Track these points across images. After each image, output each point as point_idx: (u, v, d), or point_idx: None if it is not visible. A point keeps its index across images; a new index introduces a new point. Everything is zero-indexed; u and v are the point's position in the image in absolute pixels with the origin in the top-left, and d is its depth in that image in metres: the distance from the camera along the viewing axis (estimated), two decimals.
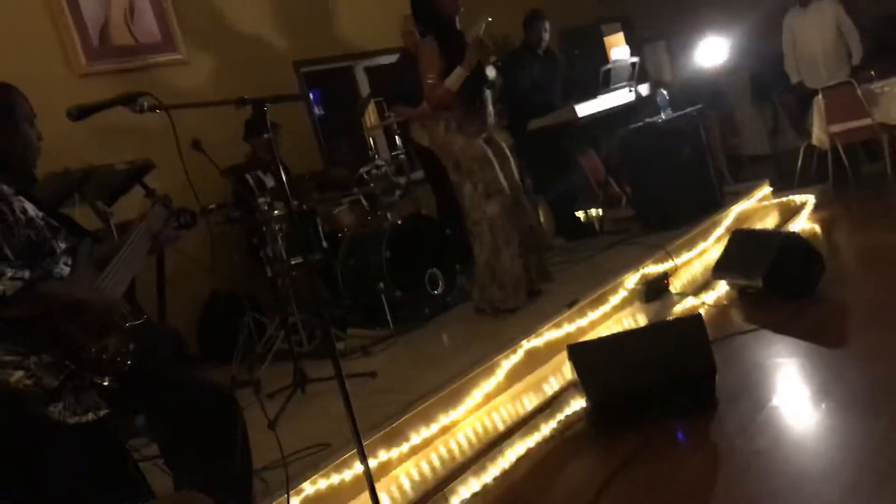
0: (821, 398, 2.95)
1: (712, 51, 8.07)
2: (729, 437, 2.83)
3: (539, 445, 3.09)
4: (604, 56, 7.74)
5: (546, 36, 5.96)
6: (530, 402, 3.44)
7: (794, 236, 4.31)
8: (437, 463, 3.09)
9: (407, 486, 2.96)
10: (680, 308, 4.30)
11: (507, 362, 3.60)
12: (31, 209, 2.22)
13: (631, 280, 4.49)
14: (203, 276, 4.94)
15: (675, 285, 4.63)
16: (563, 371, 3.61)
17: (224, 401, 2.40)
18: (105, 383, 2.10)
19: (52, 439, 2.18)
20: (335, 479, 2.84)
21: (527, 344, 3.74)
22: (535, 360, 3.75)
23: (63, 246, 2.27)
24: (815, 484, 2.40)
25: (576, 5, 8.99)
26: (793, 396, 3.07)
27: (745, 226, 5.41)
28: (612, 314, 4.30)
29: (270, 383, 3.90)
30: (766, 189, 6.27)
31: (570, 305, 4.09)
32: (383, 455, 3.01)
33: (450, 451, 3.17)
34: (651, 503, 2.56)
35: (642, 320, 4.24)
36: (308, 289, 4.54)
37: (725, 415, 2.99)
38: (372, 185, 4.96)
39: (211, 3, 5.68)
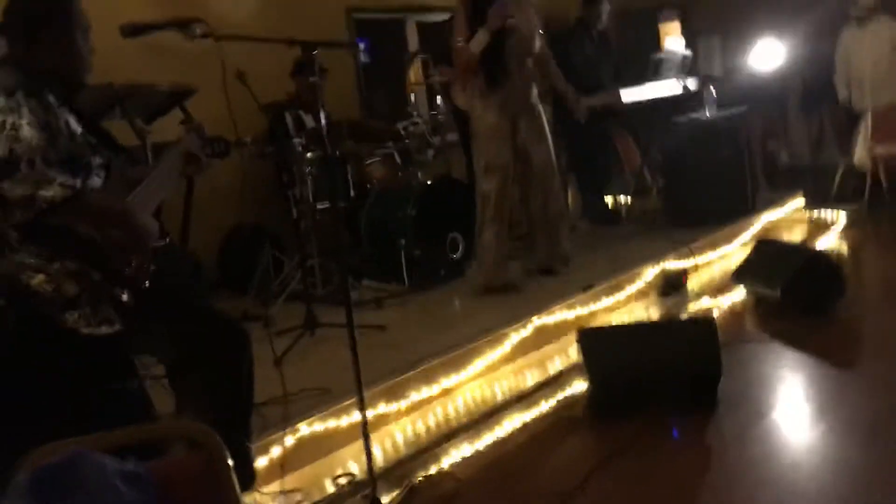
0: (821, 418, 2.96)
1: (767, 53, 7.91)
2: (724, 442, 2.85)
3: (535, 420, 3.12)
4: (657, 43, 7.63)
5: (605, 18, 5.88)
6: (532, 378, 3.48)
7: (821, 253, 4.28)
8: (432, 423, 3.15)
9: (401, 440, 3.02)
10: (694, 307, 4.29)
11: (516, 335, 3.63)
12: (73, 122, 2.25)
13: (650, 272, 4.49)
14: (229, 207, 4.99)
15: (693, 283, 4.62)
16: (568, 352, 3.64)
17: (234, 332, 2.44)
18: (124, 297, 2.14)
19: (64, 345, 2.23)
20: (332, 423, 2.90)
21: (537, 320, 3.76)
22: (543, 337, 3.78)
23: (98, 161, 2.31)
24: None
25: None
26: (793, 411, 3.07)
27: (773, 235, 5.38)
28: (626, 303, 4.31)
29: (281, 321, 3.95)
30: (799, 201, 6.19)
31: (586, 289, 4.10)
32: (382, 408, 3.06)
33: (447, 413, 3.22)
34: (636, 495, 2.59)
35: (655, 314, 4.25)
36: (330, 234, 4.58)
37: (724, 419, 3.00)
38: (407, 141, 4.96)
39: None
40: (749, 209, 5.63)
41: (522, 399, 3.26)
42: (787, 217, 5.99)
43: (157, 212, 2.41)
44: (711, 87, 5.72)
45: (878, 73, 6.68)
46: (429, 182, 4.79)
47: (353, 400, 2.75)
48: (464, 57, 4.14)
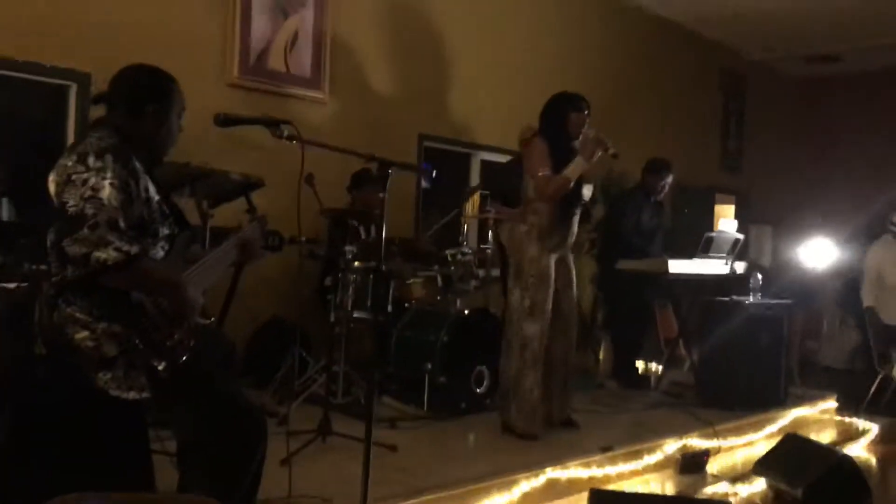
0: None
1: (817, 251, 8.00)
2: None
3: None
4: (711, 222, 7.76)
5: (667, 188, 6.03)
6: None
7: (848, 459, 4.16)
8: None
9: None
10: (711, 490, 4.16)
11: (527, 484, 3.55)
12: (153, 190, 2.37)
13: (671, 446, 4.40)
14: (269, 300, 5.08)
15: (713, 466, 4.50)
16: None
17: (255, 422, 2.45)
18: (160, 368, 2.18)
19: (89, 403, 2.26)
20: None
21: (551, 472, 3.69)
22: (553, 490, 3.69)
23: (166, 232, 2.41)
24: None
25: (699, 166, 9.11)
26: None
27: (801, 433, 5.25)
28: (643, 473, 4.20)
29: (296, 422, 3.92)
30: (831, 403, 6.08)
31: (605, 450, 4.03)
32: None
33: None
34: None
35: (671, 490, 4.13)
36: (360, 345, 4.61)
37: None
38: (452, 268, 5.05)
39: (364, 57, 6.00)
40: (780, 401, 5.55)
41: None
42: (818, 417, 5.87)
43: (203, 292, 2.49)
44: (758, 275, 5.76)
45: None
46: (466, 312, 4.83)
47: None
48: (555, 185, 4.15)
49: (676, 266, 5.49)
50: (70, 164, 2.21)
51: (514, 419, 4.23)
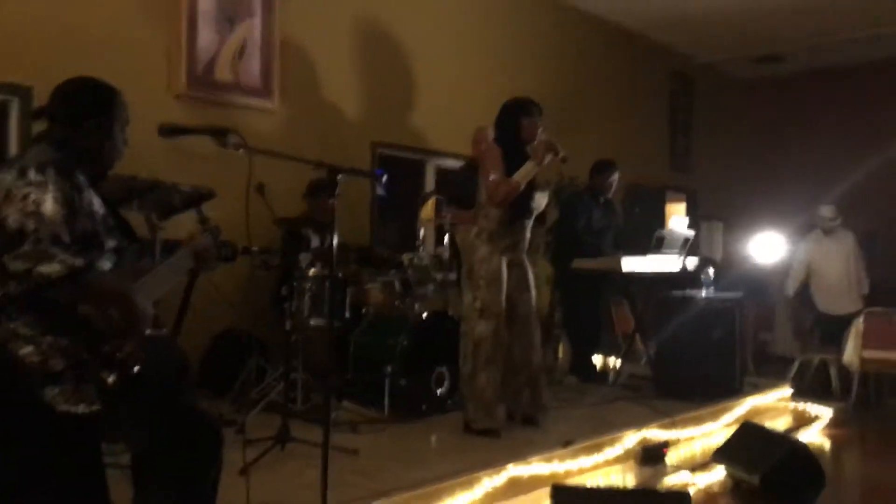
0: None
1: (767, 245, 8.19)
2: None
3: None
4: (662, 220, 7.89)
5: (614, 187, 6.14)
6: None
7: (803, 446, 4.25)
8: None
9: None
10: (671, 481, 4.23)
11: (489, 482, 3.57)
12: (97, 204, 2.34)
13: (630, 438, 4.46)
14: (224, 310, 5.03)
15: (672, 457, 4.57)
16: None
17: (210, 432, 2.42)
18: (110, 380, 2.15)
19: (36, 420, 2.22)
20: None
21: (513, 469, 3.71)
22: (515, 487, 3.71)
23: (112, 245, 2.38)
24: None
25: (649, 166, 9.25)
26: None
27: (757, 421, 5.35)
28: (604, 466, 4.25)
29: (254, 430, 3.89)
30: (786, 391, 6.23)
31: (566, 445, 4.07)
32: None
33: None
34: None
35: (631, 482, 4.18)
36: (318, 352, 4.59)
37: None
38: (409, 272, 5.07)
39: (314, 66, 5.99)
40: (736, 391, 5.66)
41: None
42: (773, 405, 6.00)
43: (155, 303, 2.46)
44: (710, 270, 5.88)
45: (849, 280, 7.02)
46: (424, 315, 4.85)
47: None
48: (505, 189, 4.20)
49: (630, 264, 5.58)
50: (10, 178, 2.17)
51: (471, 417, 4.27)
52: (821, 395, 6.37)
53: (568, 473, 4.00)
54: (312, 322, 4.30)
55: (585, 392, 5.48)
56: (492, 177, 4.24)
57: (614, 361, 6.07)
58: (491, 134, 4.60)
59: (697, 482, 4.24)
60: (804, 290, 7.40)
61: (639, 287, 6.35)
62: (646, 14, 8.49)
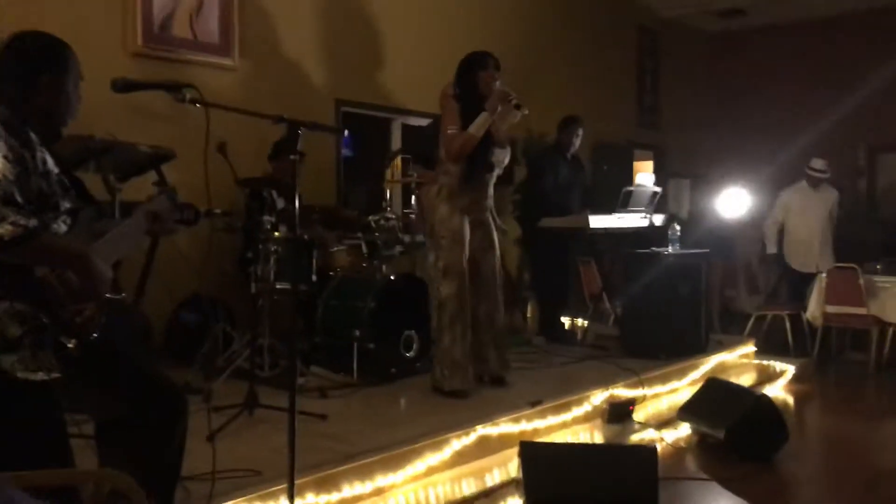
0: None
1: (733, 201, 8.24)
2: None
3: None
4: (630, 178, 7.89)
5: (577, 142, 6.12)
6: (469, 488, 3.41)
7: (767, 399, 4.32)
8: None
9: None
10: (638, 437, 4.29)
11: (458, 442, 3.58)
12: (51, 163, 2.25)
13: (598, 397, 4.50)
14: (189, 276, 4.93)
15: (639, 414, 4.62)
16: (508, 467, 3.58)
17: (173, 398, 2.38)
18: (70, 345, 2.09)
19: None
20: None
21: (481, 429, 3.72)
22: (485, 447, 3.73)
23: (67, 206, 2.30)
24: None
25: (617, 125, 9.23)
26: None
27: (723, 377, 5.43)
28: (572, 425, 4.29)
29: (222, 397, 3.85)
30: (750, 348, 6.32)
31: (534, 404, 4.09)
32: (311, 498, 2.96)
33: None
34: None
35: (599, 439, 4.23)
36: (285, 316, 4.54)
37: None
38: (377, 234, 5.01)
39: (275, 22, 5.84)
40: (702, 348, 5.72)
41: None
42: (738, 361, 6.08)
43: (115, 267, 2.39)
44: (676, 226, 5.90)
45: (823, 236, 7.06)
46: (392, 277, 4.81)
47: (283, 486, 2.67)
48: (459, 141, 4.17)
49: (597, 221, 5.58)
50: None
51: (438, 378, 4.27)
52: (778, 351, 6.49)
53: (536, 432, 4.02)
54: (278, 286, 4.24)
55: (554, 352, 5.51)
56: (449, 130, 4.20)
57: (582, 322, 6.10)
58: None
59: (664, 438, 4.30)
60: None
61: (606, 245, 6.37)
62: None
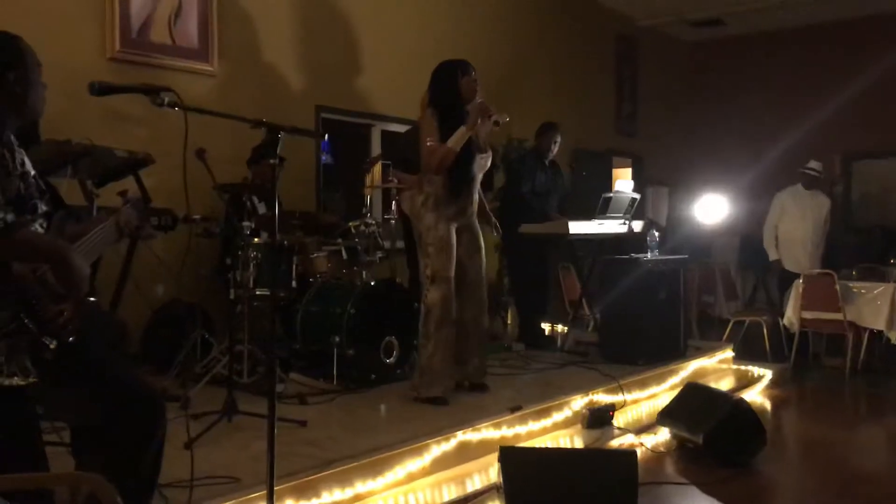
0: None
1: (710, 208, 8.31)
2: None
3: None
4: (609, 185, 7.94)
5: (555, 148, 6.16)
6: (449, 494, 3.40)
7: (744, 404, 4.35)
8: None
9: None
10: (618, 443, 4.30)
11: (438, 448, 3.57)
12: (29, 164, 2.23)
13: (578, 402, 4.51)
14: (167, 281, 4.91)
15: (619, 420, 4.64)
16: (489, 472, 3.58)
17: (152, 405, 2.35)
18: (52, 346, 2.06)
19: None
20: None
21: (461, 435, 3.72)
22: (465, 453, 3.72)
23: (44, 209, 2.28)
24: None
25: (596, 132, 9.29)
26: None
27: (701, 382, 5.46)
28: (552, 430, 4.30)
29: (200, 404, 3.82)
30: (728, 353, 6.37)
31: (514, 410, 4.09)
32: None
33: None
34: None
35: (579, 444, 4.24)
36: (264, 322, 4.51)
37: None
38: (357, 240, 5.00)
39: (255, 28, 5.82)
40: (680, 353, 5.76)
41: None
42: (716, 367, 6.13)
43: (92, 270, 2.36)
44: (655, 232, 5.94)
45: (814, 240, 7.11)
46: (372, 283, 4.80)
47: (262, 493, 2.65)
48: (437, 154, 4.16)
49: (576, 227, 5.60)
50: None
51: (418, 385, 4.26)
52: (756, 356, 6.54)
53: (517, 437, 4.02)
54: (258, 291, 4.22)
55: (533, 358, 5.51)
56: (428, 143, 4.20)
57: (562, 328, 6.11)
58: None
59: (644, 443, 4.31)
60: (748, 249, 7.47)
61: (585, 251, 6.40)
62: None
